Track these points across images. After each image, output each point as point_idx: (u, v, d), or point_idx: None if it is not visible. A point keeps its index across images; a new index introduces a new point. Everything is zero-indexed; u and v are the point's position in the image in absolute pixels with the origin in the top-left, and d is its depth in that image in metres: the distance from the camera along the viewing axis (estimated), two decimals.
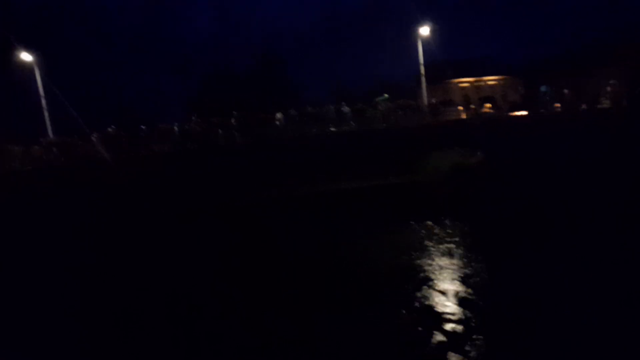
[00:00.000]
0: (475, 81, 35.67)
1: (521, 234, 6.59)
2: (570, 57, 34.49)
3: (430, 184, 12.19)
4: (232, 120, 19.58)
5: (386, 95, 23.56)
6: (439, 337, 3.67)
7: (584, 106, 22.91)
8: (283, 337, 3.75)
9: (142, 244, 8.05)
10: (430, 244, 6.25)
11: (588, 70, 31.97)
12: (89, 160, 16.58)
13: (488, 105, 21.68)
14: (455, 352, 3.45)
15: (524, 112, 22.09)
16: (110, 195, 10.55)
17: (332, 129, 19.55)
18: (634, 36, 32.90)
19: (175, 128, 19.72)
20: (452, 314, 4.05)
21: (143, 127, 19.91)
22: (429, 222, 7.54)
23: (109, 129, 19.55)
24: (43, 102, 20.41)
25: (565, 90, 23.40)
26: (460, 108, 22.04)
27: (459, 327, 3.83)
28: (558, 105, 22.63)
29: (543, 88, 24.50)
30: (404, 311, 4.25)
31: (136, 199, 10.40)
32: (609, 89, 23.78)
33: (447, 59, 33.57)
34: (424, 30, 24.07)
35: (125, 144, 18.42)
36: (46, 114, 20.56)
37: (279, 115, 19.90)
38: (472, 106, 21.75)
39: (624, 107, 22.01)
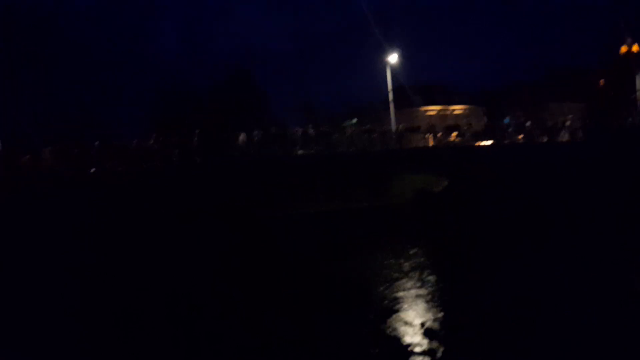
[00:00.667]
0: (442, 110, 36.43)
1: (490, 256, 6.49)
2: (531, 89, 35.86)
3: (398, 208, 12.42)
4: (194, 140, 18.70)
5: (354, 120, 23.34)
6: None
7: (545, 139, 23.51)
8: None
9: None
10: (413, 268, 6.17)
11: (547, 104, 33.38)
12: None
13: (455, 134, 21.87)
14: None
15: (489, 142, 22.36)
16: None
17: (299, 151, 18.99)
18: (587, 70, 34.81)
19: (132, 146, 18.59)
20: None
21: (96, 143, 18.71)
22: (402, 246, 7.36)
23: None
24: None
25: (528, 123, 23.99)
26: (428, 136, 22.13)
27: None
28: (521, 136, 23.08)
29: (506, 120, 25.13)
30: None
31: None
32: (567, 123, 24.62)
33: (414, 84, 33.96)
34: (392, 57, 24.20)
35: (73, 160, 17.07)
36: None
37: (241, 137, 19.11)
38: (439, 134, 21.87)
39: (581, 140, 22.87)
